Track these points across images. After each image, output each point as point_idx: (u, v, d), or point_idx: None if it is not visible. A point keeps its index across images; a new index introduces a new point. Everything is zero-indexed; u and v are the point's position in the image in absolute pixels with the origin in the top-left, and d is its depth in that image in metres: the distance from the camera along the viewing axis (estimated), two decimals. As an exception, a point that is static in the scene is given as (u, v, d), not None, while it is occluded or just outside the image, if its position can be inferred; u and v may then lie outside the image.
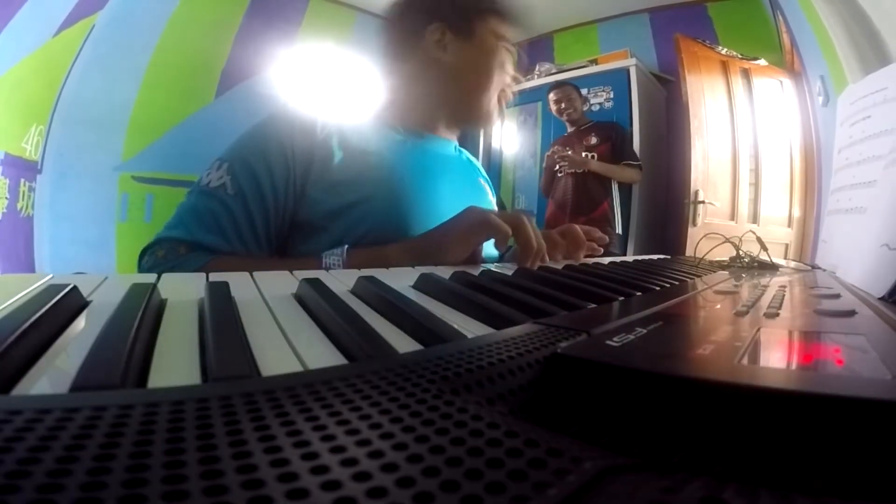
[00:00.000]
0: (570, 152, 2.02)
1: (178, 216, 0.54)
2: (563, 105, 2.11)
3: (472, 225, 0.49)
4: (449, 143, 0.70)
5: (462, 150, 0.76)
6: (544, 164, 2.22)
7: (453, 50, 0.63)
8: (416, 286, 0.32)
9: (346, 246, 0.51)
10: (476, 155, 3.12)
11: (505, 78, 0.68)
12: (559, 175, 2.11)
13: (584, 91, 2.37)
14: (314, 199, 0.55)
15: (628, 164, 2.02)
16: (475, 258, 0.52)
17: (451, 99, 0.66)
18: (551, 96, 2.15)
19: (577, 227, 0.62)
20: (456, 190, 0.65)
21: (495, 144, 3.06)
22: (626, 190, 2.18)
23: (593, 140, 2.06)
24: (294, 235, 0.57)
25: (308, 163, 0.56)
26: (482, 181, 0.76)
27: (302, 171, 0.55)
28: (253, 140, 0.57)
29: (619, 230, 2.07)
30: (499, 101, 0.68)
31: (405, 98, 0.66)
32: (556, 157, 2.06)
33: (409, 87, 0.66)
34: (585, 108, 2.33)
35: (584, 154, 2.04)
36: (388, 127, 0.64)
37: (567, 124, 2.16)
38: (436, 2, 0.65)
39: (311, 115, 0.59)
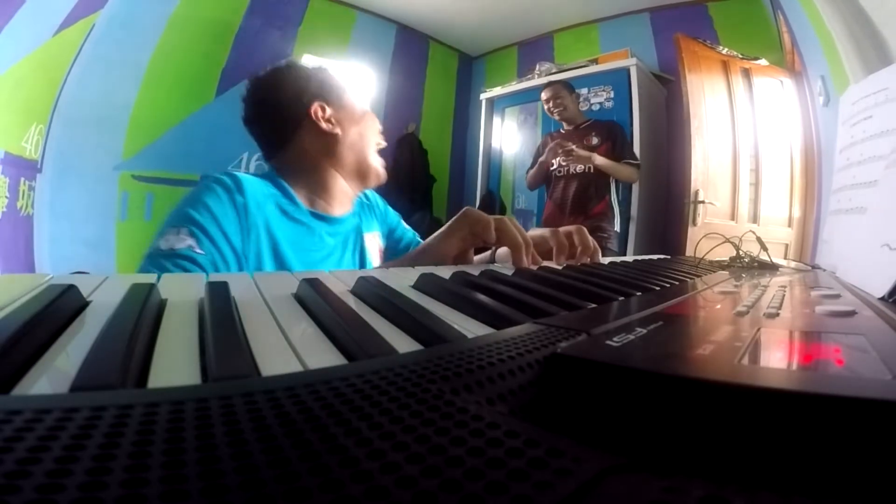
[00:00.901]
0: (573, 147, 1.95)
1: None
2: (551, 104, 2.08)
3: (456, 220, 0.53)
4: (346, 218, 0.72)
5: (359, 204, 0.77)
6: (540, 158, 2.12)
7: (338, 120, 0.69)
8: (416, 286, 0.32)
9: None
10: (476, 155, 3.12)
11: (378, 130, 0.75)
12: (558, 175, 2.07)
13: (584, 91, 2.37)
14: None
15: (628, 163, 1.99)
16: (468, 258, 0.53)
17: (350, 164, 0.70)
18: (542, 95, 2.13)
19: (584, 229, 0.62)
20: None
21: (495, 144, 3.06)
22: (625, 189, 2.16)
23: (594, 140, 2.01)
24: None
25: (247, 242, 0.57)
26: (370, 234, 0.77)
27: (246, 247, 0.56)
28: (201, 206, 0.55)
29: (617, 228, 2.03)
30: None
31: (312, 164, 0.69)
32: (558, 149, 1.98)
33: (313, 156, 0.69)
34: (585, 108, 2.29)
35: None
36: (300, 211, 0.65)
37: (563, 123, 2.12)
38: (304, 84, 0.69)
39: (238, 196, 0.58)
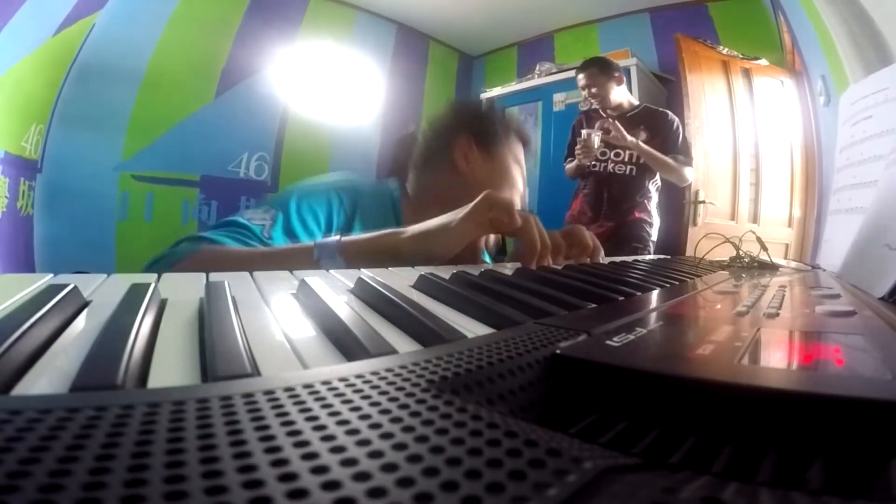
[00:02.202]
0: (615, 123, 1.63)
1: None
2: (586, 92, 1.75)
3: (476, 203, 0.48)
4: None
5: None
6: (579, 146, 1.71)
7: (474, 161, 0.66)
8: (416, 286, 0.32)
9: (339, 237, 0.47)
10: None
11: (514, 195, 0.70)
12: (592, 168, 1.74)
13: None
14: None
15: (676, 158, 1.65)
16: (476, 256, 0.52)
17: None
18: (579, 78, 1.77)
19: (583, 229, 0.61)
20: None
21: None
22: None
23: (643, 135, 1.67)
24: None
25: None
26: None
27: None
28: (305, 202, 0.58)
29: (655, 237, 1.75)
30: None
31: (425, 200, 0.68)
32: (604, 125, 1.66)
33: (429, 190, 0.68)
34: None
35: (630, 154, 1.68)
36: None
37: (605, 112, 1.76)
38: (469, 115, 0.69)
39: (347, 205, 0.62)
